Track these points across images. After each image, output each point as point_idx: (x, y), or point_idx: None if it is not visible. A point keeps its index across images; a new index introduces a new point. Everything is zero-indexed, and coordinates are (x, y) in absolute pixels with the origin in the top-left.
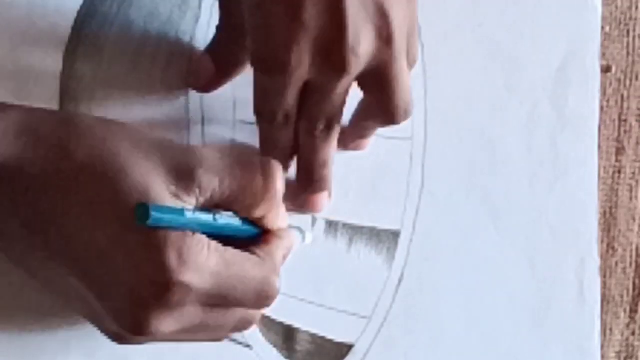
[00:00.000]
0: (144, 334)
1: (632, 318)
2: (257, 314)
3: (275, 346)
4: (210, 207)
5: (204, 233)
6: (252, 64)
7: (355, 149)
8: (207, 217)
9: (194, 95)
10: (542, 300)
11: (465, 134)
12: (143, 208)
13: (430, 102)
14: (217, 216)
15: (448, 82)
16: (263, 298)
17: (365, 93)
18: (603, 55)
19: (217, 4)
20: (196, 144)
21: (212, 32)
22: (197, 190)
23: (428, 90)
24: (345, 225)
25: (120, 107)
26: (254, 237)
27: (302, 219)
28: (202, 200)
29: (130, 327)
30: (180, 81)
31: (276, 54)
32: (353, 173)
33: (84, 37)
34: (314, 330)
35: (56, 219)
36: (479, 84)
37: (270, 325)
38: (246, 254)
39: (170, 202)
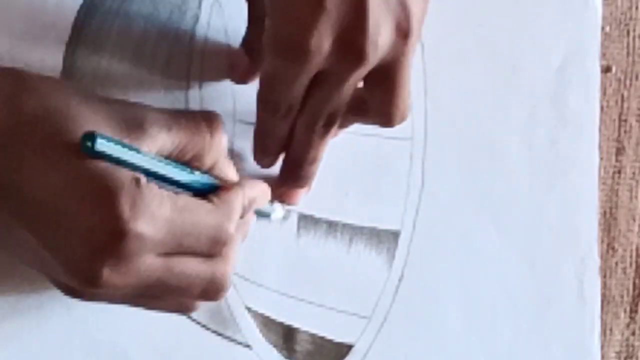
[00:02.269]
0: (97, 286)
1: (632, 318)
2: (224, 276)
3: (275, 346)
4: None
5: (152, 175)
6: (267, 47)
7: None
8: (152, 159)
9: (193, 95)
10: (542, 300)
11: (465, 134)
12: (89, 136)
13: (430, 102)
14: (165, 161)
15: (448, 82)
16: (217, 244)
17: (366, 89)
18: (603, 55)
19: (216, 4)
20: None
21: (212, 32)
22: (148, 141)
23: (428, 90)
24: (345, 225)
25: None
26: (209, 191)
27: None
28: (154, 151)
29: (83, 279)
30: (179, 80)
31: (295, 37)
32: (353, 173)
33: (84, 35)
34: (313, 330)
35: (8, 172)
36: (479, 84)
37: (270, 325)
38: (199, 201)
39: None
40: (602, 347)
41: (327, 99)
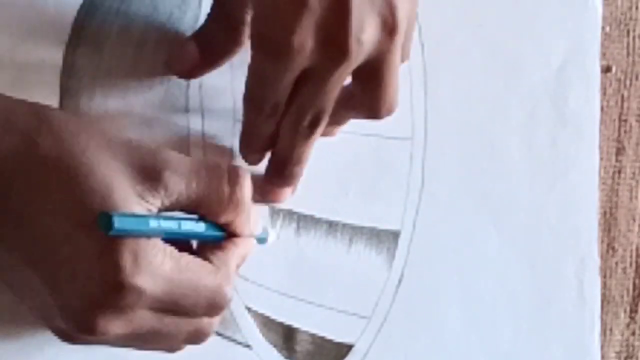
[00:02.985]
0: (91, 334)
1: (632, 318)
2: (212, 326)
3: (275, 346)
4: (175, 209)
5: (166, 239)
6: (252, 45)
7: (325, 134)
8: (171, 225)
9: (193, 95)
10: (542, 300)
11: (465, 134)
12: (106, 217)
13: (430, 102)
14: (182, 222)
15: (448, 82)
16: (214, 307)
17: (354, 84)
18: (603, 55)
19: None
20: (197, 144)
21: None
22: (162, 192)
23: (428, 90)
24: (345, 225)
25: (120, 106)
26: (215, 241)
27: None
28: (167, 202)
29: (78, 326)
30: (179, 80)
31: (279, 35)
32: (353, 173)
33: (84, 34)
34: (313, 330)
35: (18, 209)
36: (479, 84)
37: (270, 325)
38: (201, 262)
39: (134, 201)
40: (602, 347)
41: (311, 97)
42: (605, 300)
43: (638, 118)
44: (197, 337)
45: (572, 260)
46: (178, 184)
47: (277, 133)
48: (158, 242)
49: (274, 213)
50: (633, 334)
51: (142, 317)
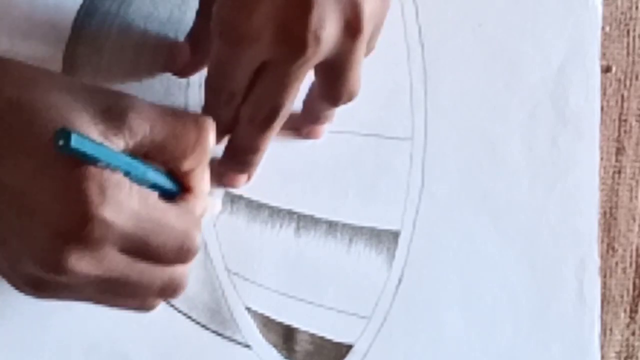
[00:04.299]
0: (62, 271)
1: (632, 318)
2: (184, 276)
3: (275, 346)
4: (138, 153)
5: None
6: (212, 31)
7: (309, 136)
8: (129, 158)
9: (193, 95)
10: (542, 300)
11: (465, 134)
12: (63, 133)
13: (430, 102)
14: (141, 161)
15: (448, 82)
16: (184, 251)
17: (316, 75)
18: (603, 55)
19: None
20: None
21: None
22: (126, 132)
23: (428, 90)
24: (345, 225)
25: None
26: (172, 194)
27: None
28: (131, 143)
29: (47, 262)
30: (179, 80)
31: (237, 21)
32: (353, 173)
33: (83, 36)
34: (313, 330)
35: None
36: (479, 84)
37: (270, 325)
38: (169, 204)
39: (97, 139)
40: (602, 347)
41: (268, 90)
42: (605, 300)
43: (638, 118)
44: (171, 289)
45: (572, 260)
46: (142, 126)
47: (235, 119)
48: (124, 178)
49: (274, 213)
50: (633, 334)
51: (113, 258)
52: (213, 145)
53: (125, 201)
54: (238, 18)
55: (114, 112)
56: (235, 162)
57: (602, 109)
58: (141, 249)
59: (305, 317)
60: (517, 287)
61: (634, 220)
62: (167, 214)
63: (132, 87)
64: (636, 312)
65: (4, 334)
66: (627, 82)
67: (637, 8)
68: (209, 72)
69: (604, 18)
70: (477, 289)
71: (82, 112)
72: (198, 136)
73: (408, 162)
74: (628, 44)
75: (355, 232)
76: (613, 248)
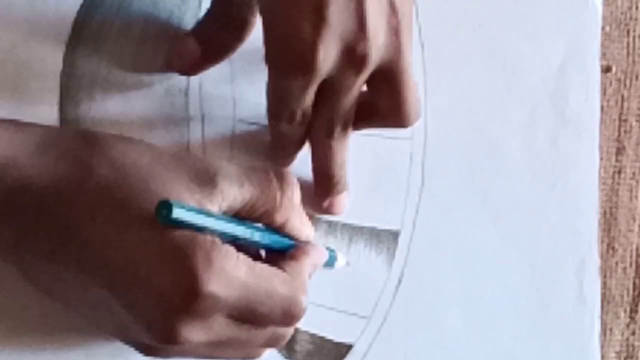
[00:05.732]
0: (173, 342)
1: (632, 318)
2: (287, 331)
3: None
4: (231, 214)
5: (230, 240)
6: (273, 66)
7: (330, 210)
8: (231, 220)
9: (193, 94)
10: (542, 300)
11: (465, 134)
12: (165, 204)
13: (430, 102)
14: (243, 223)
15: (448, 82)
16: (289, 316)
17: (375, 92)
18: (603, 55)
19: None
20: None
21: None
22: (219, 197)
23: (428, 90)
24: (345, 225)
25: (120, 106)
26: (282, 251)
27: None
28: (224, 206)
29: (160, 335)
30: (179, 80)
31: (303, 54)
32: (353, 173)
33: (83, 36)
34: (313, 330)
35: (82, 230)
36: (479, 84)
37: None
38: (274, 269)
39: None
40: (602, 347)
41: (339, 105)
42: (605, 300)
43: (638, 118)
44: (274, 343)
45: (572, 260)
46: (232, 188)
47: (305, 134)
48: (230, 248)
49: None
50: (633, 334)
51: (220, 324)
52: (298, 192)
53: (233, 272)
54: (303, 50)
55: (204, 179)
56: (332, 186)
57: (602, 109)
58: (248, 316)
59: (305, 317)
60: (517, 287)
61: (634, 220)
62: (274, 282)
63: (132, 87)
64: (636, 312)
65: (4, 334)
66: (627, 82)
67: (637, 8)
68: (272, 104)
69: (604, 18)
70: (477, 289)
71: (175, 181)
72: (283, 190)
73: (408, 161)
74: (628, 44)
75: (355, 232)
76: (613, 248)
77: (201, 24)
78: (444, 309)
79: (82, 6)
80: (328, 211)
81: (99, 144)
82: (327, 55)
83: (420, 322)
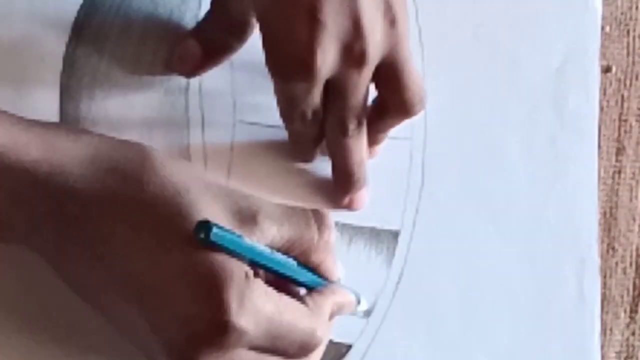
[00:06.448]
0: None
1: (632, 318)
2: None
3: None
4: None
5: (261, 266)
6: (274, 73)
7: (369, 157)
8: (266, 249)
9: (193, 95)
10: (542, 300)
11: (465, 134)
12: (204, 225)
13: (430, 102)
14: (281, 257)
15: (448, 82)
16: (305, 350)
17: (379, 88)
18: (603, 55)
19: None
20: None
21: None
22: (258, 234)
23: (428, 90)
24: (345, 225)
25: (120, 106)
26: (309, 285)
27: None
28: (263, 244)
29: (179, 358)
30: (179, 80)
31: (301, 57)
32: None
33: (84, 35)
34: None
35: (121, 246)
36: (478, 84)
37: None
38: (298, 304)
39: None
40: (602, 347)
41: (348, 103)
42: (605, 300)
43: (638, 118)
44: None
45: (572, 260)
46: (271, 227)
47: (321, 130)
48: (261, 283)
49: None
50: (633, 334)
51: (240, 355)
52: (334, 237)
53: (261, 307)
54: (300, 56)
55: (245, 215)
56: (353, 184)
57: (602, 109)
58: (268, 348)
59: None
60: (517, 287)
61: (634, 220)
62: (297, 316)
63: (132, 87)
64: (636, 312)
65: (5, 334)
66: (627, 82)
67: (637, 8)
68: (282, 108)
69: (604, 18)
70: (477, 288)
71: (218, 213)
72: (321, 232)
73: (408, 161)
74: (628, 44)
75: (355, 231)
76: (613, 248)
77: (201, 25)
78: (444, 309)
79: (82, 6)
80: (348, 207)
81: (150, 160)
82: (326, 57)
83: (419, 322)
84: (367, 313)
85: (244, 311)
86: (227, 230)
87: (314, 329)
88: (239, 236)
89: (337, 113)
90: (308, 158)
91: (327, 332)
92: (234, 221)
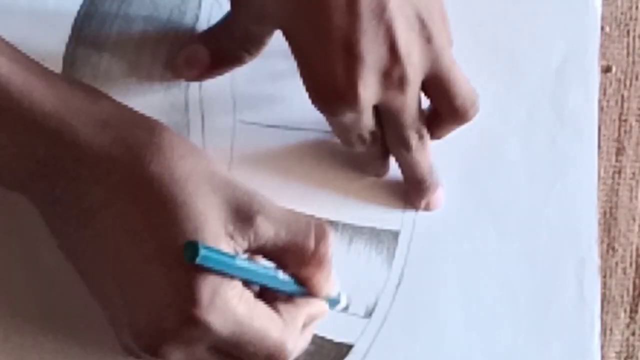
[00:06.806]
0: (152, 355)
1: (632, 318)
2: None
3: None
4: (259, 254)
5: (243, 280)
6: (320, 108)
7: (428, 207)
8: (254, 267)
9: (193, 95)
10: (542, 300)
11: (464, 134)
12: (193, 246)
13: None
14: (265, 270)
15: None
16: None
17: (430, 99)
18: (603, 55)
19: (216, 4)
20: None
21: None
22: (252, 235)
23: None
24: (345, 225)
25: None
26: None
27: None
28: (254, 245)
29: (144, 345)
30: (179, 80)
31: (342, 94)
32: (353, 173)
33: (83, 36)
34: (313, 330)
35: (110, 218)
36: (478, 84)
37: None
38: (271, 313)
39: (223, 240)
40: (602, 347)
41: (402, 123)
42: (605, 300)
43: (638, 118)
44: None
45: (572, 260)
46: (268, 231)
47: (385, 148)
48: (238, 285)
49: None
50: (633, 334)
51: (203, 353)
52: (331, 253)
53: (233, 308)
54: (343, 90)
55: (244, 213)
56: (427, 190)
57: (602, 109)
58: (233, 351)
59: None
60: (517, 287)
61: (634, 220)
62: (268, 325)
63: (132, 87)
64: (636, 312)
65: (4, 334)
66: (627, 82)
67: (637, 8)
68: (340, 137)
69: (604, 18)
70: (477, 288)
71: (216, 209)
72: (317, 245)
73: None
74: (628, 44)
75: (355, 232)
76: (613, 248)
77: (213, 33)
78: (444, 309)
79: (82, 6)
80: (426, 209)
81: (159, 138)
82: (367, 89)
83: (420, 322)
84: (368, 313)
85: (213, 308)
86: (214, 252)
87: (283, 341)
88: (229, 257)
89: (395, 132)
90: (380, 174)
91: (298, 344)
92: (229, 216)
